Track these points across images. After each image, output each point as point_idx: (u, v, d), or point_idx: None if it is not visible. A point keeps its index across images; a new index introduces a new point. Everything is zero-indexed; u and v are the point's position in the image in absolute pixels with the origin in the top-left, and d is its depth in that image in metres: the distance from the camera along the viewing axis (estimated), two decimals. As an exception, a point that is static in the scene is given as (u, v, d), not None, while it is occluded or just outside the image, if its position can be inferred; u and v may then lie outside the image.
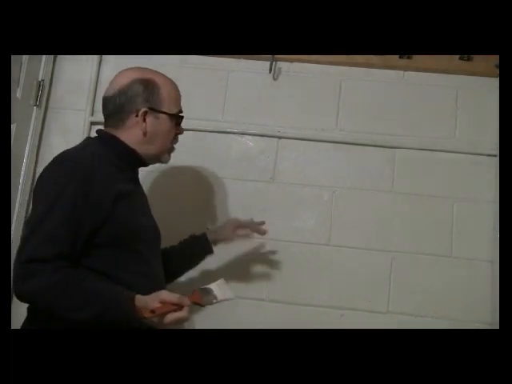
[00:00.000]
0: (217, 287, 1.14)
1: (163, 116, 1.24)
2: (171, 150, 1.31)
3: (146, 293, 1.07)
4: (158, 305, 1.03)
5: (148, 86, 1.22)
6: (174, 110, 1.26)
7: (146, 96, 1.22)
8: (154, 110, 1.22)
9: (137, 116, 1.22)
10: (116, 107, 1.22)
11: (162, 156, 1.29)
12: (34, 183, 1.71)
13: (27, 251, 1.05)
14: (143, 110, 1.21)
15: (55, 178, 1.13)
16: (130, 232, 1.18)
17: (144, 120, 1.22)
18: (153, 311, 1.01)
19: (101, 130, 1.27)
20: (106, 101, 1.24)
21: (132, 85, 1.22)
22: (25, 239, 1.08)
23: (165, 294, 1.06)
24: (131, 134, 1.22)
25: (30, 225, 1.10)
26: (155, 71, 1.28)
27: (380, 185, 1.67)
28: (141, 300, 1.04)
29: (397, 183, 1.67)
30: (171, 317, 1.04)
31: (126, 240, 1.17)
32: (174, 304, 1.04)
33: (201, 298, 1.11)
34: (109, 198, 1.13)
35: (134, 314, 1.02)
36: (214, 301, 1.12)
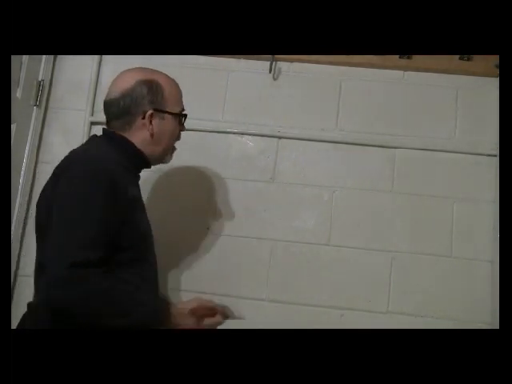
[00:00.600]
0: None
1: (168, 116, 1.25)
2: (174, 149, 1.32)
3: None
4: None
5: (152, 87, 1.22)
6: (177, 109, 1.27)
7: (150, 97, 1.22)
8: (160, 110, 1.23)
9: (143, 118, 1.22)
10: (121, 110, 1.21)
11: (165, 156, 1.30)
12: (35, 184, 1.73)
13: (71, 255, 1.00)
14: (150, 111, 1.21)
15: (82, 180, 1.09)
16: (141, 234, 1.19)
17: (150, 122, 1.22)
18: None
19: (109, 130, 1.25)
20: (110, 104, 1.23)
21: (136, 87, 1.21)
22: (62, 243, 1.03)
23: (199, 301, 1.15)
24: (138, 136, 1.22)
25: (64, 228, 1.05)
26: (156, 71, 1.28)
27: (380, 185, 1.67)
28: (178, 310, 1.12)
29: (397, 183, 1.67)
30: (209, 321, 1.15)
31: (137, 242, 1.17)
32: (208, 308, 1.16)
33: (225, 314, 1.22)
34: (127, 200, 1.14)
35: (171, 321, 1.09)
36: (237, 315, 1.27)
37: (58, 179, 1.13)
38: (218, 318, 1.18)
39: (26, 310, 1.20)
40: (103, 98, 1.28)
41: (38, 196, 1.69)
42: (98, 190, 1.08)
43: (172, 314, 1.10)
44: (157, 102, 1.22)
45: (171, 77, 1.30)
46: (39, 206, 1.20)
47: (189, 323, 1.12)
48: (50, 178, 1.19)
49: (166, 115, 1.24)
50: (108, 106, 1.24)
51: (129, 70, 1.26)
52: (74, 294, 1.00)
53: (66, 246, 1.03)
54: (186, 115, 1.30)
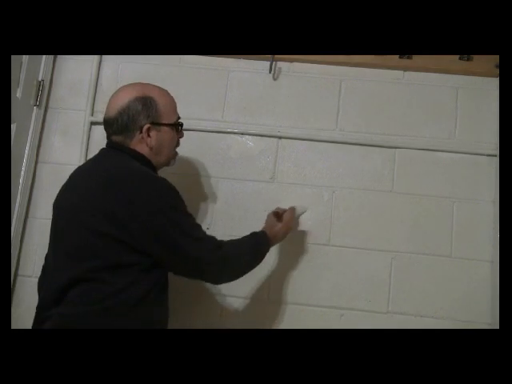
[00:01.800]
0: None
1: (164, 127, 1.30)
2: (176, 154, 1.39)
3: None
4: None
5: (146, 102, 1.27)
6: (172, 119, 1.33)
7: (145, 112, 1.27)
8: (156, 123, 1.28)
9: (141, 133, 1.27)
10: (119, 127, 1.27)
11: (169, 163, 1.37)
12: (35, 184, 1.73)
13: (208, 241, 1.24)
14: (146, 126, 1.26)
15: (161, 193, 1.21)
16: None
17: (148, 135, 1.27)
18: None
19: (115, 143, 1.28)
20: (108, 122, 1.29)
21: (130, 104, 1.26)
22: (195, 239, 1.21)
23: (287, 217, 1.47)
24: (139, 150, 1.28)
25: (182, 228, 1.20)
26: (148, 85, 1.32)
27: (380, 185, 1.67)
28: (273, 231, 1.41)
29: (397, 183, 1.67)
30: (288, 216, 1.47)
31: None
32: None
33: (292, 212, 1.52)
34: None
35: (273, 236, 1.40)
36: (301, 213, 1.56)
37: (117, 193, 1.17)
38: (293, 208, 1.52)
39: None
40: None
41: (38, 196, 1.72)
42: (179, 199, 1.25)
43: (267, 234, 1.38)
44: (152, 115, 1.27)
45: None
46: (87, 212, 1.18)
47: (278, 226, 1.43)
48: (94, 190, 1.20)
49: (163, 127, 1.29)
50: (107, 124, 1.30)
51: (122, 89, 1.31)
52: (231, 265, 1.28)
53: (201, 239, 1.22)
54: (181, 124, 1.36)
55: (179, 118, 1.36)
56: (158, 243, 1.16)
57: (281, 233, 1.43)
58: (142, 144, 1.27)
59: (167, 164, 1.36)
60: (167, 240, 1.17)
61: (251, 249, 1.33)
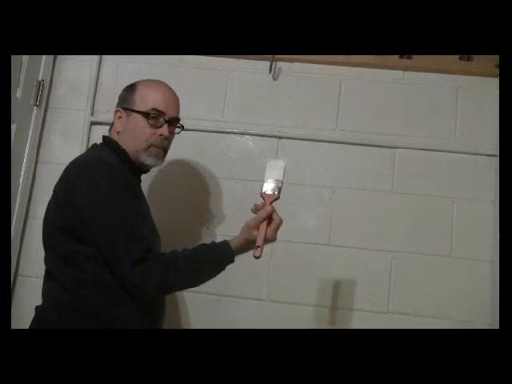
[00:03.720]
0: (269, 173, 1.30)
1: (135, 114, 1.28)
2: (149, 148, 1.27)
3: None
4: (258, 236, 1.17)
5: (128, 88, 1.32)
6: (146, 108, 1.27)
7: (123, 98, 1.31)
8: (126, 108, 1.29)
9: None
10: None
11: (139, 156, 1.27)
12: (35, 184, 1.73)
13: (133, 254, 1.10)
14: (116, 109, 1.31)
15: (106, 181, 1.16)
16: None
17: (118, 119, 1.30)
18: (259, 247, 1.16)
19: (105, 136, 1.33)
20: None
21: (121, 92, 1.33)
22: (121, 244, 1.11)
23: (252, 222, 1.19)
24: (111, 133, 1.31)
25: (116, 231, 1.12)
26: (153, 79, 1.33)
27: (380, 185, 1.67)
28: (241, 244, 1.20)
29: (397, 183, 1.67)
30: (271, 230, 1.19)
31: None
32: (265, 219, 1.18)
33: (272, 195, 1.25)
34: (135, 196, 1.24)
35: (241, 246, 1.20)
36: (280, 184, 1.28)
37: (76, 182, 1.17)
38: (268, 207, 1.22)
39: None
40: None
41: (38, 196, 1.72)
42: (125, 189, 1.17)
43: (234, 243, 1.20)
44: (126, 101, 1.30)
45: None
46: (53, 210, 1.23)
47: (254, 234, 1.18)
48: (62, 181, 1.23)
49: (133, 113, 1.28)
50: None
51: None
52: (156, 280, 1.12)
53: (128, 246, 1.11)
54: (153, 115, 1.26)
55: (160, 111, 1.26)
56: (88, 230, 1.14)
57: (248, 241, 1.21)
58: (113, 128, 1.30)
59: (137, 157, 1.26)
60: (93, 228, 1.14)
61: (195, 261, 1.17)
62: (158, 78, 1.34)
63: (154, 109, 1.27)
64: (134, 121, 1.27)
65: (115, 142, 1.28)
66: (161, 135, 1.27)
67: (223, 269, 1.20)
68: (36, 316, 1.20)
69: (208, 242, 1.22)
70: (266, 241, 1.19)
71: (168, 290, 1.23)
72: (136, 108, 1.27)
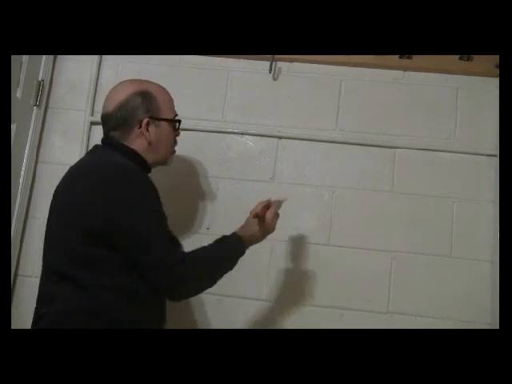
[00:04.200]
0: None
1: (163, 123, 1.29)
2: (174, 152, 1.36)
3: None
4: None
5: (145, 96, 1.26)
6: (171, 116, 1.32)
7: (145, 107, 1.26)
8: (155, 118, 1.27)
9: (140, 127, 1.25)
10: (118, 121, 1.25)
11: (165, 161, 1.34)
12: (35, 184, 1.73)
13: (173, 257, 1.17)
14: (146, 120, 1.25)
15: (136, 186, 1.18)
16: None
17: (147, 130, 1.26)
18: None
19: (109, 140, 1.28)
20: (108, 117, 1.27)
21: (130, 98, 1.25)
22: (161, 248, 1.17)
23: (252, 211, 1.33)
24: (137, 145, 1.26)
25: (155, 235, 1.18)
26: (146, 81, 1.31)
27: (380, 185, 1.67)
28: (248, 234, 1.31)
29: (397, 183, 1.67)
30: (270, 213, 1.33)
31: None
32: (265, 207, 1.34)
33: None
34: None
35: (247, 239, 1.31)
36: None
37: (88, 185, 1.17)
38: (274, 204, 1.36)
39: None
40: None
41: (38, 196, 1.72)
42: (155, 193, 1.22)
43: (241, 236, 1.30)
44: (151, 110, 1.26)
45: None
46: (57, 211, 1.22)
47: (256, 228, 1.31)
48: (68, 183, 1.22)
49: (162, 122, 1.28)
50: (105, 119, 1.28)
51: (121, 84, 1.30)
52: (194, 278, 1.20)
53: (169, 248, 1.19)
54: (180, 120, 1.33)
55: (176, 115, 1.34)
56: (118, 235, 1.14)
57: (259, 236, 1.33)
58: (141, 139, 1.26)
59: (164, 162, 1.33)
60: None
61: (218, 260, 1.26)
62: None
63: (176, 115, 1.33)
64: (164, 129, 1.29)
65: (123, 144, 1.25)
66: (176, 136, 1.35)
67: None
68: (48, 320, 1.14)
69: (218, 239, 1.30)
70: (266, 226, 1.32)
71: (198, 293, 1.29)
72: (163, 116, 1.28)
